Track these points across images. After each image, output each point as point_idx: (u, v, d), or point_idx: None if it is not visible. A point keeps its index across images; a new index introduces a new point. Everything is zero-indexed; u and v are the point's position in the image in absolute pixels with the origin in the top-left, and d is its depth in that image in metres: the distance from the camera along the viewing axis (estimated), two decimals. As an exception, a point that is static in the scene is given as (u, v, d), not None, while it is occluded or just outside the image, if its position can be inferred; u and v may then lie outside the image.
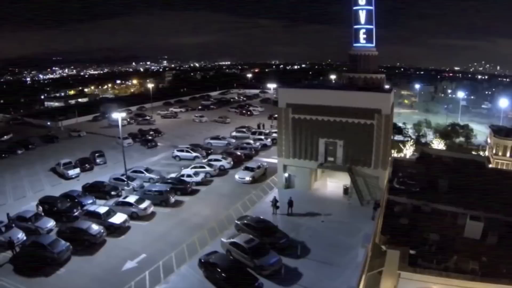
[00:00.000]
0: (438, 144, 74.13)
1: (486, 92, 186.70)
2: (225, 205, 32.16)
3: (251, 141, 48.20)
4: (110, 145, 53.07)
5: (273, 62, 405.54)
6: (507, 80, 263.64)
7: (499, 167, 59.84)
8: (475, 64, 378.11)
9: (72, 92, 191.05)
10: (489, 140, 74.12)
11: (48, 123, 69.51)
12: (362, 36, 33.09)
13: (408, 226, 29.57)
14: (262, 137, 50.30)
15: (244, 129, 55.35)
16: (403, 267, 15.38)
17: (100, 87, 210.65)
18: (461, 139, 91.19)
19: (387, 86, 34.92)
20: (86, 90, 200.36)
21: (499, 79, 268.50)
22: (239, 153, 43.32)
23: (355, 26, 33.51)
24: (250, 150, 44.99)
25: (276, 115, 66.12)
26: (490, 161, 55.31)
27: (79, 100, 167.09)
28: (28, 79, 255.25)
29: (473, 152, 77.76)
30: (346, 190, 34.15)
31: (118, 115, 31.73)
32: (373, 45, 33.52)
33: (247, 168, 38.03)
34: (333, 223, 28.94)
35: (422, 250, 24.49)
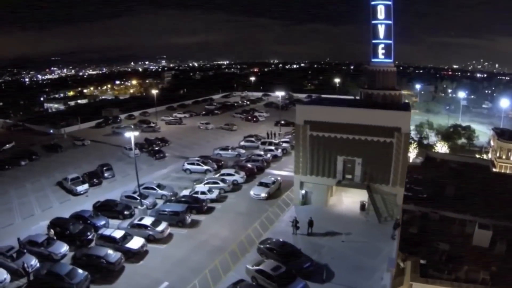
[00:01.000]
0: (441, 147, 73.90)
1: (486, 91, 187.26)
2: (243, 225, 31.33)
3: (262, 152, 47.30)
4: (116, 156, 52.12)
5: (272, 61, 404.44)
6: (507, 78, 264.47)
7: (503, 170, 59.97)
8: (474, 62, 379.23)
9: (71, 93, 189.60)
10: (492, 143, 73.95)
11: (51, 131, 68.13)
12: (380, 51, 32.27)
13: (417, 235, 29.47)
14: (273, 147, 49.42)
15: (252, 138, 54.38)
16: (415, 278, 14.95)
17: (99, 88, 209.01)
18: (464, 140, 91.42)
19: (405, 101, 34.26)
20: (85, 91, 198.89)
21: (498, 77, 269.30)
22: (251, 166, 42.47)
23: (374, 41, 32.63)
24: (261, 163, 44.14)
25: (282, 121, 66.62)
26: (495, 165, 55.07)
27: (79, 101, 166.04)
28: (27, 79, 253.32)
29: (477, 156, 77.88)
30: (363, 206, 33.76)
31: (131, 134, 30.68)
32: (392, 60, 32.73)
33: (261, 184, 37.20)
34: (353, 243, 28.43)
35: (433, 260, 24.20)
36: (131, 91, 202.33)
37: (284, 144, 51.38)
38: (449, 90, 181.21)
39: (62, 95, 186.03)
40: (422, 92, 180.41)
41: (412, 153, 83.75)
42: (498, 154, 64.34)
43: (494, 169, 50.79)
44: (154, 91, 75.50)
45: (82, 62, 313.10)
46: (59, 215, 32.95)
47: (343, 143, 31.69)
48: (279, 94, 63.39)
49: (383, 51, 32.28)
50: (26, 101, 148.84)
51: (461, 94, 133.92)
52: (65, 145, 59.04)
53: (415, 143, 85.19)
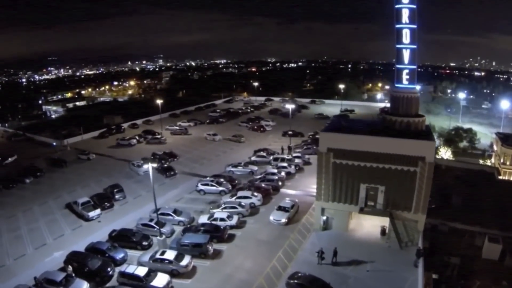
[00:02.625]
0: (445, 152, 73.54)
1: (485, 91, 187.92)
2: (266, 254, 30.38)
3: (275, 170, 46.30)
4: (124, 172, 50.80)
5: (269, 60, 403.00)
6: (504, 77, 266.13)
7: (507, 177, 59.87)
8: (471, 60, 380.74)
9: (69, 95, 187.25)
10: (495, 147, 73.91)
11: (54, 144, 66.44)
12: (405, 76, 31.20)
13: (428, 248, 29.30)
14: (285, 164, 48.43)
15: (264, 153, 53.28)
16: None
17: (97, 89, 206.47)
18: (465, 143, 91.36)
19: (426, 123, 33.50)
20: (83, 92, 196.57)
21: (496, 75, 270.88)
22: (267, 187, 41.51)
23: (398, 66, 31.54)
24: (276, 182, 43.20)
25: (290, 132, 65.66)
26: (500, 172, 54.89)
27: (77, 103, 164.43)
28: (24, 80, 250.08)
29: (480, 161, 77.72)
30: (383, 231, 33.46)
31: (149, 165, 29.39)
32: (415, 86, 31.86)
33: (281, 208, 36.24)
34: (378, 273, 28.07)
35: (445, 275, 24.01)
36: (130, 92, 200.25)
37: (297, 160, 50.38)
38: (449, 91, 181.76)
39: (60, 96, 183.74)
40: (421, 93, 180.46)
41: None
42: (502, 160, 64.29)
43: (499, 177, 50.88)
44: (159, 101, 73.63)
45: (79, 61, 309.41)
46: (72, 244, 32.17)
47: (366, 171, 31.28)
48: (289, 106, 62.07)
49: (408, 77, 31.32)
50: (24, 104, 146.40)
51: (461, 95, 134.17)
52: (69, 159, 57.55)
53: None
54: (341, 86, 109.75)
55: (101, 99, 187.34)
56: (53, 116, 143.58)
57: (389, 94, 33.33)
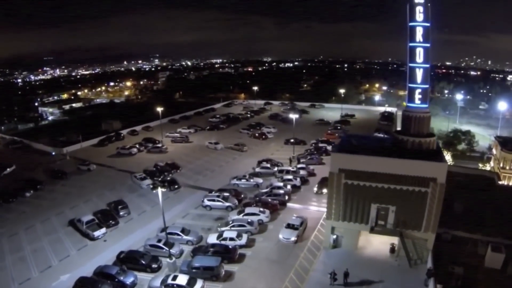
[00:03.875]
0: (445, 156, 73.65)
1: (482, 91, 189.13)
2: (278, 275, 30.00)
3: (281, 183, 45.79)
4: (126, 185, 49.91)
5: (265, 59, 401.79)
6: (500, 76, 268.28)
7: (506, 181, 60.16)
8: (467, 59, 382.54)
9: (65, 96, 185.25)
10: (494, 151, 74.26)
11: (53, 153, 65.28)
12: (417, 96, 30.76)
13: (433, 258, 29.34)
14: (291, 176, 47.96)
15: (268, 165, 52.65)
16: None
17: (93, 90, 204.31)
18: (464, 146, 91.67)
19: (437, 141, 33.27)
20: (79, 93, 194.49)
21: (492, 75, 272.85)
22: (274, 203, 40.99)
23: (410, 85, 31.06)
24: (283, 196, 42.73)
25: (292, 140, 65.22)
26: (500, 177, 55.08)
27: (73, 105, 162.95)
28: (19, 80, 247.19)
29: (480, 165, 78.07)
30: (392, 249, 33.35)
31: (159, 191, 28.71)
32: (427, 105, 31.49)
33: (289, 226, 35.83)
34: (389, 293, 27.70)
35: (449, 285, 24.11)
36: (126, 93, 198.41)
37: (302, 172, 49.94)
38: (446, 91, 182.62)
39: (56, 97, 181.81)
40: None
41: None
42: (501, 165, 64.59)
43: (499, 182, 51.03)
44: (159, 108, 72.78)
45: (75, 61, 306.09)
46: (79, 266, 31.60)
47: (378, 191, 31.14)
48: (293, 116, 61.53)
49: (420, 96, 30.92)
50: (20, 106, 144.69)
51: (459, 96, 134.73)
52: (69, 169, 56.48)
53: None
54: (341, 91, 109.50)
55: (98, 100, 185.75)
56: (50, 118, 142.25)
57: (401, 113, 32.92)
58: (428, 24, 30.15)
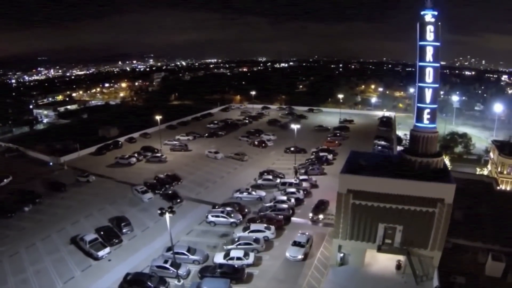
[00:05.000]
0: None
1: (477, 91, 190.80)
2: (286, 297, 29.84)
3: (285, 197, 45.52)
4: (127, 198, 49.19)
5: (260, 60, 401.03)
6: (495, 76, 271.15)
7: (504, 186, 60.70)
8: (461, 58, 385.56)
9: (60, 97, 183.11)
10: (491, 155, 74.91)
11: (50, 163, 64.22)
12: (426, 116, 30.71)
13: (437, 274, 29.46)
14: (294, 189, 47.72)
15: (270, 176, 52.32)
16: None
17: (88, 91, 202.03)
18: (461, 149, 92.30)
19: (445, 161, 33.28)
20: (74, 94, 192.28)
21: (486, 75, 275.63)
22: (279, 218, 40.71)
23: (419, 105, 30.97)
24: (287, 211, 42.47)
25: (292, 148, 64.92)
26: (498, 183, 55.50)
27: (68, 107, 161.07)
28: (13, 80, 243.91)
29: (477, 169, 78.69)
30: (398, 266, 33.57)
31: (167, 217, 28.23)
32: (435, 125, 31.50)
33: (296, 243, 35.63)
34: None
35: None
36: (121, 94, 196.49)
37: (304, 184, 49.74)
38: (441, 92, 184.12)
39: (51, 99, 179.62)
40: (415, 94, 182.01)
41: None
42: (499, 169, 65.18)
43: (498, 187, 51.40)
44: (158, 117, 72.15)
45: (69, 62, 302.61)
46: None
47: (385, 211, 31.31)
48: (294, 126, 61.23)
49: (428, 116, 30.87)
50: (15, 109, 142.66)
51: (454, 98, 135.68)
52: (68, 181, 55.58)
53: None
54: (339, 96, 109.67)
55: (93, 102, 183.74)
56: (45, 121, 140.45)
57: (409, 132, 32.84)
58: (438, 44, 30.12)
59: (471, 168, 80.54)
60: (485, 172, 77.03)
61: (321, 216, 41.27)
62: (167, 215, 28.38)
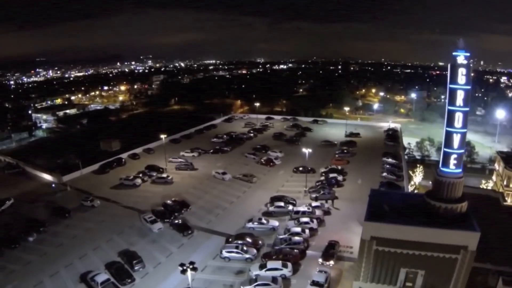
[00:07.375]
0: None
1: (477, 95, 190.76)
2: None
3: (299, 229, 44.24)
4: (135, 227, 47.64)
5: (259, 61, 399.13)
6: (494, 78, 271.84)
7: (510, 199, 59.89)
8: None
9: (59, 101, 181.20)
10: (497, 167, 74.18)
11: (53, 185, 62.51)
12: (452, 161, 29.60)
13: None
14: (307, 219, 46.53)
15: (281, 203, 51.08)
16: None
17: (87, 94, 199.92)
18: (464, 158, 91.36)
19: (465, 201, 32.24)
20: (73, 98, 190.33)
21: (485, 76, 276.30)
22: (295, 253, 39.48)
23: (446, 150, 29.75)
24: (303, 244, 41.28)
25: (301, 168, 63.77)
26: (505, 198, 54.67)
27: (67, 111, 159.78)
28: (12, 82, 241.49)
29: (483, 181, 77.95)
30: None
31: (189, 274, 26.86)
32: (461, 170, 30.41)
33: (314, 283, 34.37)
34: None
35: None
36: (121, 98, 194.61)
37: (317, 212, 48.60)
38: (442, 96, 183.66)
39: (49, 102, 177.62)
40: (416, 99, 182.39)
41: (418, 177, 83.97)
42: (505, 182, 64.46)
43: (505, 203, 50.45)
44: (162, 136, 70.94)
45: (68, 63, 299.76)
46: None
47: (408, 257, 30.68)
48: (305, 151, 59.88)
49: (455, 162, 29.76)
50: (13, 114, 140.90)
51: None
52: (71, 205, 54.00)
53: (421, 166, 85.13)
54: (345, 108, 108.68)
55: (92, 106, 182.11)
56: (44, 126, 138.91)
57: (433, 177, 31.78)
58: (469, 87, 29.02)
59: (475, 178, 79.94)
60: (490, 184, 76.43)
61: (331, 262, 38.23)
62: (189, 273, 27.01)
